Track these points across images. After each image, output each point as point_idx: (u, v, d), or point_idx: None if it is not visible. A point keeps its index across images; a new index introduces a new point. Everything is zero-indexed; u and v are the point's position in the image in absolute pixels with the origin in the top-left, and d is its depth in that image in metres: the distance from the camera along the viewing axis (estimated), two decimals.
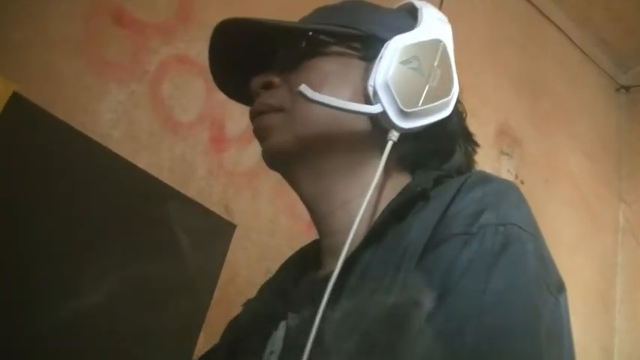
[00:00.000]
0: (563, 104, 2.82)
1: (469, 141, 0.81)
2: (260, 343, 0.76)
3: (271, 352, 0.74)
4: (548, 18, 2.83)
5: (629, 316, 2.71)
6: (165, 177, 1.59)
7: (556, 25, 2.86)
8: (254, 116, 0.79)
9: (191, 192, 1.62)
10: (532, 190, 2.53)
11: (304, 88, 0.69)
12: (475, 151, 0.82)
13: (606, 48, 3.03)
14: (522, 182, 2.50)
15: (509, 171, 2.47)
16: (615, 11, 2.83)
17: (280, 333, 0.74)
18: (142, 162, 1.56)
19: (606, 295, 2.71)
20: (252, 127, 0.80)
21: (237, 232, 1.67)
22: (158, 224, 1.55)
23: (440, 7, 2.15)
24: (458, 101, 0.78)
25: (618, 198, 2.93)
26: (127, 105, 1.58)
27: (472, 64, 2.39)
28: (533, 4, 2.78)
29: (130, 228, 1.50)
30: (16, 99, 1.37)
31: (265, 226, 1.74)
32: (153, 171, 1.57)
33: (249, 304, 0.90)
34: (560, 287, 0.62)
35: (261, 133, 0.78)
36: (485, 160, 2.32)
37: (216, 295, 1.59)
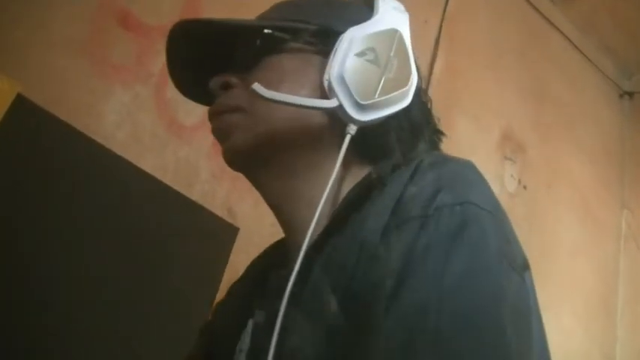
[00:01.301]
0: (567, 110, 2.82)
1: (434, 131, 0.80)
2: (231, 343, 0.76)
3: (240, 351, 0.74)
4: (552, 24, 2.83)
5: (630, 323, 2.70)
6: (169, 180, 1.59)
7: (560, 31, 2.86)
8: (212, 117, 0.78)
9: (194, 195, 1.62)
10: (535, 196, 2.53)
11: (257, 87, 0.68)
12: (441, 140, 0.81)
13: (610, 54, 3.03)
14: (525, 187, 2.50)
15: (512, 176, 2.47)
16: (620, 18, 2.83)
17: (248, 330, 0.74)
18: (146, 164, 1.56)
19: (608, 301, 2.71)
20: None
21: (240, 235, 1.67)
22: (161, 227, 1.56)
23: (443, 13, 2.16)
24: (421, 90, 0.77)
25: (621, 204, 2.93)
26: (131, 107, 1.58)
27: (475, 70, 2.39)
28: (536, 10, 2.78)
29: (133, 230, 1.51)
30: (19, 100, 1.37)
31: (268, 229, 1.73)
32: (157, 174, 1.57)
33: (218, 307, 0.89)
34: (524, 265, 0.61)
35: (220, 134, 0.77)
36: (489, 165, 2.31)
37: (218, 297, 1.59)
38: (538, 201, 2.53)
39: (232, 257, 1.65)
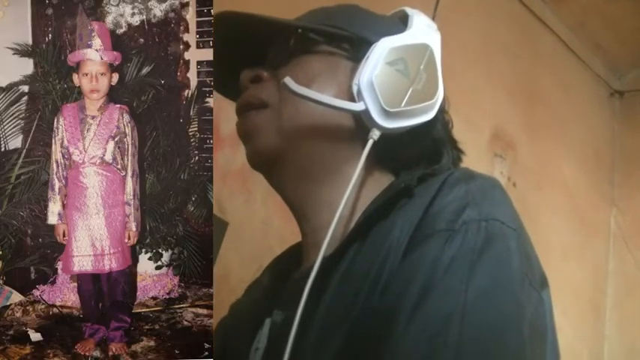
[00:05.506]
0: (557, 108, 2.83)
1: (455, 148, 0.81)
2: (247, 341, 0.77)
3: (256, 349, 0.75)
4: (543, 23, 2.84)
5: (619, 322, 2.72)
6: None
7: (551, 30, 2.87)
8: (242, 110, 0.79)
9: None
10: (525, 196, 2.54)
11: (288, 81, 0.70)
12: (461, 160, 0.82)
13: (601, 53, 3.04)
14: (514, 185, 2.50)
15: (501, 173, 2.48)
16: (610, 17, 2.84)
17: (265, 330, 0.75)
18: None
19: (597, 301, 2.73)
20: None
21: (229, 232, 1.67)
22: None
23: (434, 12, 2.16)
24: (444, 111, 0.79)
25: (610, 204, 2.94)
26: None
27: (466, 70, 2.38)
28: (528, 9, 2.78)
29: None
30: None
31: (258, 226, 1.73)
32: None
33: (235, 306, 0.90)
34: (543, 283, 0.63)
35: (245, 135, 0.78)
36: (479, 163, 2.32)
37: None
38: (528, 201, 2.54)
39: (222, 254, 1.65)
